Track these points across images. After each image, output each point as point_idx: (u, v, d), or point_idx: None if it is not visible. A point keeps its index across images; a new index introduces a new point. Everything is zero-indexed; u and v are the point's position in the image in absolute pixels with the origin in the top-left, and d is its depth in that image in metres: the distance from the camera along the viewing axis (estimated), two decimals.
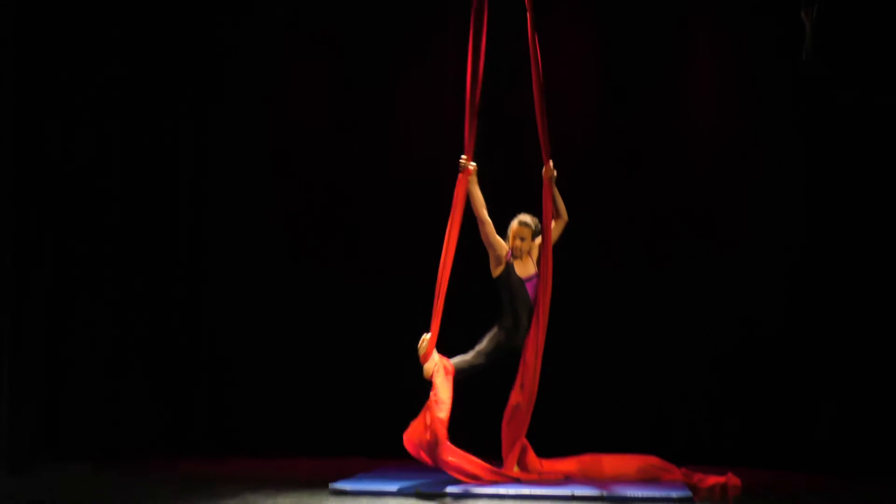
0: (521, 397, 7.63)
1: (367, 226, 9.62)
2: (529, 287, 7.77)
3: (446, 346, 7.66)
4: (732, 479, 7.71)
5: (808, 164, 9.07)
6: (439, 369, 7.58)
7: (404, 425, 9.05)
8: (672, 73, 9.37)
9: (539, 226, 7.81)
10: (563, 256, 7.85)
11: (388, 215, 9.59)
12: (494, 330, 7.77)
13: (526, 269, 7.82)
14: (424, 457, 7.40)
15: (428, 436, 7.32)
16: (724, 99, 9.32)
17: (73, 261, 8.94)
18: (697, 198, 9.29)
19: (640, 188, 9.35)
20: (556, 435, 8.17)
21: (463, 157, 7.64)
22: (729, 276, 9.18)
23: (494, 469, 7.59)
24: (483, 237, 7.73)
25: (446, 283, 7.54)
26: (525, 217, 7.87)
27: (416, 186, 9.52)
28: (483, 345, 7.75)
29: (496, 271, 7.80)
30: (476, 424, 7.88)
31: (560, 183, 7.88)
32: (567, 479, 7.67)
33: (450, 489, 7.17)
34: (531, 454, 7.82)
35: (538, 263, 7.78)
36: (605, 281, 9.30)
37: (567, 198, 8.01)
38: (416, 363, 8.92)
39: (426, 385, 8.17)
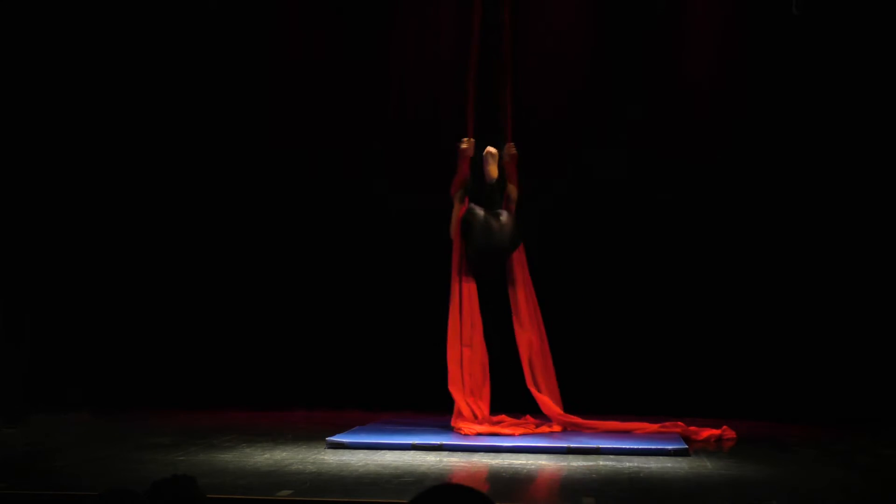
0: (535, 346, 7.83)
1: (357, 177, 9.55)
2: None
3: None
4: (728, 432, 7.77)
5: (798, 106, 9.01)
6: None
7: (400, 378, 9.12)
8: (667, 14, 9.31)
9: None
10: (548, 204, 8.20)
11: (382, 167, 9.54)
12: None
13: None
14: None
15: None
16: (719, 40, 9.25)
17: (65, 209, 8.95)
18: (687, 144, 9.22)
19: (631, 131, 9.28)
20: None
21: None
22: (720, 223, 9.13)
23: (492, 422, 7.66)
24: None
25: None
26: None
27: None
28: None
29: (456, 222, 7.92)
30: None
31: (553, 126, 8.28)
32: (564, 432, 7.71)
33: (446, 442, 7.19)
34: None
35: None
36: (594, 233, 9.25)
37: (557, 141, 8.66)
38: (413, 317, 8.98)
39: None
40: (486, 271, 7.91)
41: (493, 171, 7.90)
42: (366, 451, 6.99)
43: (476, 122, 8.02)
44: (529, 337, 7.86)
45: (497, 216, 7.79)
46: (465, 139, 7.90)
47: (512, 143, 8.00)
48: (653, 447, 7.07)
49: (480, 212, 7.80)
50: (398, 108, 9.55)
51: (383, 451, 6.97)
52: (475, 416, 7.66)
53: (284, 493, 5.59)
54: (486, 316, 7.96)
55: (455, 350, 7.71)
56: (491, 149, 7.90)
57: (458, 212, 7.89)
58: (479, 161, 7.95)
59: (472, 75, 7.93)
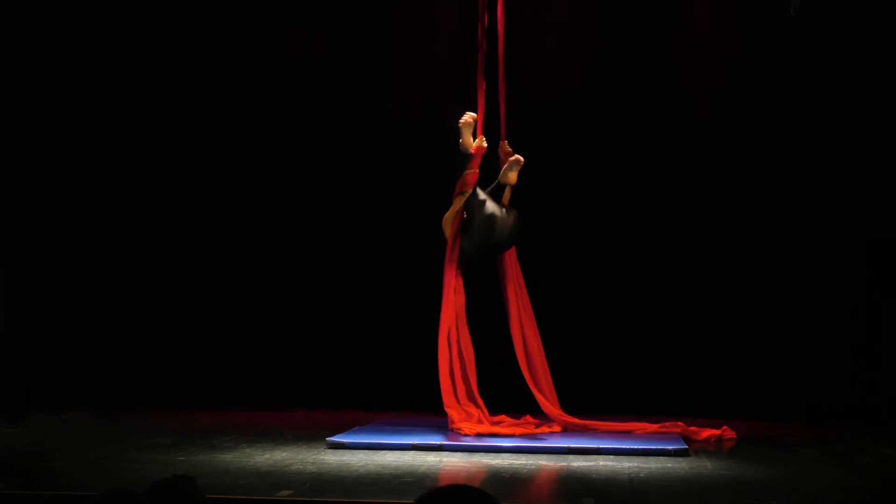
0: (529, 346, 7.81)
1: (357, 177, 9.54)
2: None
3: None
4: (728, 432, 7.76)
5: (798, 107, 9.00)
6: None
7: (400, 378, 9.12)
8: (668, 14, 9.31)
9: None
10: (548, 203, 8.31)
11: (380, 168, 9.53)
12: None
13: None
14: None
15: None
16: (719, 40, 9.25)
17: (66, 209, 8.97)
18: (687, 144, 9.21)
19: (631, 131, 9.27)
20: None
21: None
22: (720, 223, 9.13)
23: (492, 422, 7.66)
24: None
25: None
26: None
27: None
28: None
29: (454, 218, 7.85)
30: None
31: (552, 126, 8.54)
32: (564, 432, 7.70)
33: (446, 442, 7.19)
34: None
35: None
36: (593, 233, 9.24)
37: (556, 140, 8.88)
38: (412, 316, 8.97)
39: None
40: (477, 264, 7.91)
41: (513, 177, 7.95)
42: (366, 451, 6.99)
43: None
44: (524, 335, 7.86)
45: (503, 209, 7.79)
46: (480, 136, 7.87)
47: (506, 142, 8.03)
48: (653, 447, 7.07)
49: (487, 200, 7.78)
50: (398, 108, 9.55)
51: (383, 451, 6.97)
52: (473, 413, 7.65)
53: (284, 493, 5.59)
54: (484, 317, 7.97)
55: (444, 349, 7.69)
56: (520, 157, 7.93)
57: (458, 206, 7.85)
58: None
59: (480, 73, 7.91)
